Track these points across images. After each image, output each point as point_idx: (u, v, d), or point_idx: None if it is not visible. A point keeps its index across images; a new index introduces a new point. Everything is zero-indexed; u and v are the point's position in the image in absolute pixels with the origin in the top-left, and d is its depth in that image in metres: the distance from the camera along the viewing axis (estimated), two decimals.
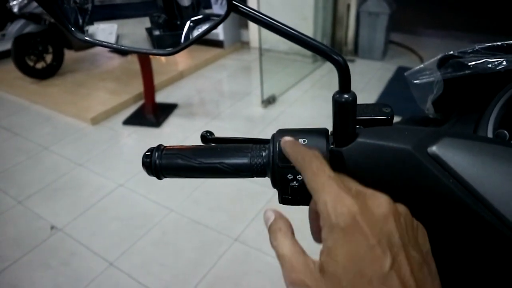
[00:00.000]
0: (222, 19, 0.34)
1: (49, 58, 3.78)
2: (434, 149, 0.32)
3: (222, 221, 2.02)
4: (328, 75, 3.67)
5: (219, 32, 4.34)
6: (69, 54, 4.00)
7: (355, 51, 4.03)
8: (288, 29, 0.31)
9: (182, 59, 4.27)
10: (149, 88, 3.03)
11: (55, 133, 2.96)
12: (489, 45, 0.48)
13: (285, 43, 4.07)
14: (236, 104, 3.27)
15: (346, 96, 0.32)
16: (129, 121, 3.04)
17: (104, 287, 1.71)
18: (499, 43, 0.48)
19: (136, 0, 0.69)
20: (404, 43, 4.27)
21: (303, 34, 0.31)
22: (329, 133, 0.36)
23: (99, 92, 3.50)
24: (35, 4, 3.40)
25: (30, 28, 3.48)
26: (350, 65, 0.33)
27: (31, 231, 2.03)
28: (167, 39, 0.55)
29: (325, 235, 0.26)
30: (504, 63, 0.46)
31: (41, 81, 3.75)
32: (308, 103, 3.26)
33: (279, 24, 0.31)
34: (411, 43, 4.27)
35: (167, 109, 3.16)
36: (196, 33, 0.38)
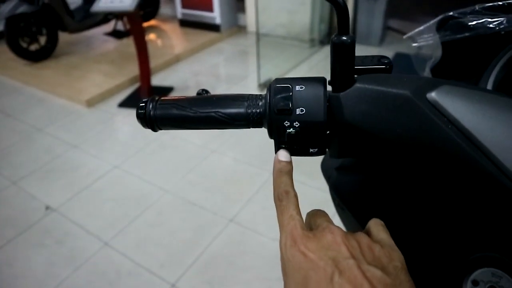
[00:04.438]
0: None
1: (43, 40, 3.72)
2: (433, 95, 0.31)
3: (217, 202, 2.02)
4: (324, 60, 3.65)
5: (216, 16, 4.29)
6: (63, 36, 3.94)
7: None
8: None
9: (178, 43, 4.22)
10: (145, 71, 3.00)
11: (49, 115, 2.93)
12: (490, 5, 0.47)
13: (283, 28, 4.03)
14: (233, 87, 3.24)
15: (344, 38, 0.31)
16: (124, 104, 3.02)
17: (99, 266, 1.71)
18: (500, 3, 0.47)
19: None
20: (402, 29, 4.24)
21: None
22: (327, 81, 0.35)
23: (94, 75, 3.46)
24: None
25: (23, 8, 3.41)
26: None
27: (26, 211, 2.03)
28: None
29: (282, 270, 0.31)
30: (505, 22, 0.45)
31: (34, 63, 3.70)
32: None
33: None
34: (409, 30, 4.22)
35: (162, 92, 3.14)
36: None
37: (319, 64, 3.60)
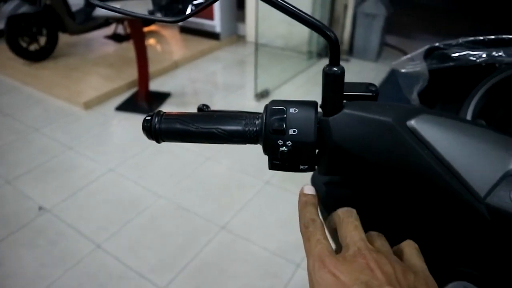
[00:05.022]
0: None
1: (42, 40, 3.74)
2: (412, 123, 0.35)
3: (211, 209, 2.05)
4: (321, 73, 3.69)
5: (216, 25, 4.35)
6: (63, 38, 3.97)
7: (350, 51, 4.07)
8: (282, 2, 0.32)
9: (177, 49, 4.26)
10: (144, 76, 3.03)
11: (47, 116, 2.94)
12: (473, 39, 0.51)
13: (282, 39, 4.09)
14: (230, 96, 3.28)
15: (335, 69, 0.35)
16: (121, 107, 3.04)
17: (91, 268, 1.72)
18: (481, 38, 0.51)
19: None
20: (399, 46, 4.33)
21: (297, 9, 0.33)
22: (318, 105, 0.39)
23: (93, 77, 3.48)
24: None
25: (25, 8, 3.43)
26: (344, 64, 0.36)
27: (19, 210, 2.03)
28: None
29: None
30: (484, 56, 0.49)
31: (33, 63, 3.71)
32: (301, 98, 3.28)
33: None
34: (406, 47, 4.32)
35: (160, 98, 3.17)
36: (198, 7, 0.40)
37: (315, 76, 3.65)
